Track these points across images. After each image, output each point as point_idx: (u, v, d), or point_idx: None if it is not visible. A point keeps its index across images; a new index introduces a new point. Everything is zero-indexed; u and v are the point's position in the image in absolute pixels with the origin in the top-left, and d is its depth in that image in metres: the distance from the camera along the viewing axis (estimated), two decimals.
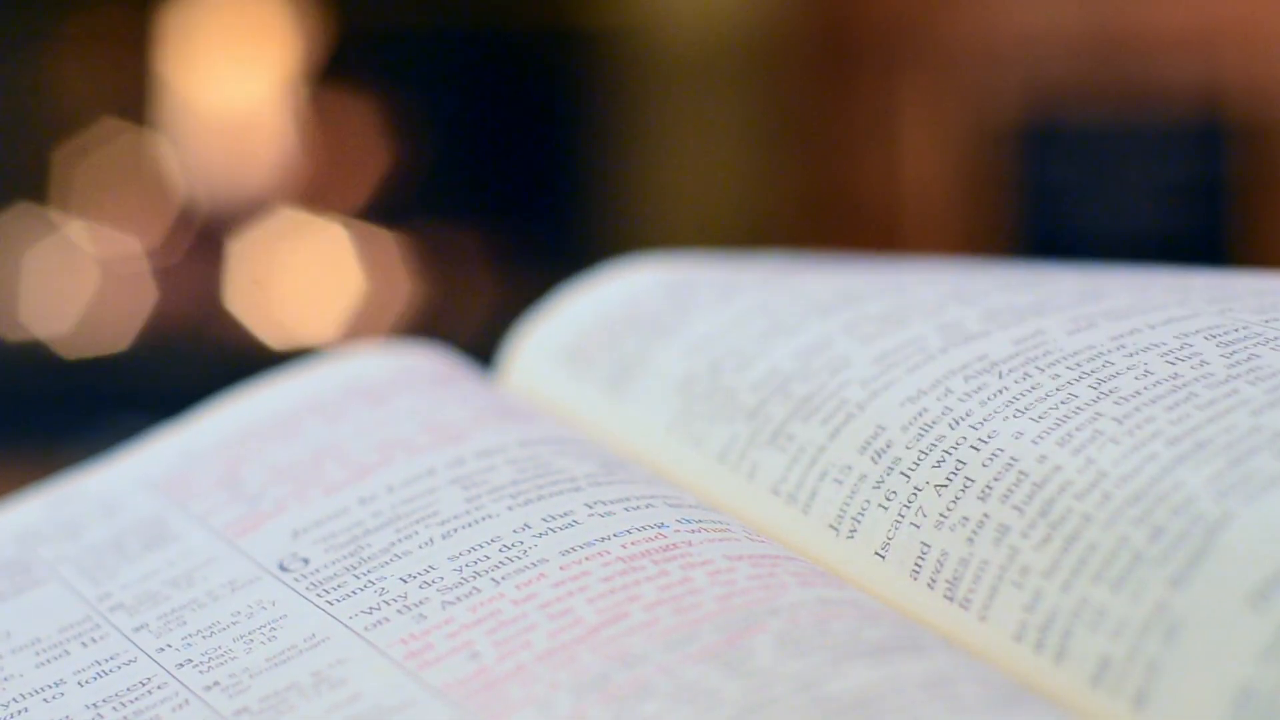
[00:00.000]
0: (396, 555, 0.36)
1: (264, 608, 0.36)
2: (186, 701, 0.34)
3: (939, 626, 0.34)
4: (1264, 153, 1.71)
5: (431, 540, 0.37)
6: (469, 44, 1.78)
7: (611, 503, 0.37)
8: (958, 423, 0.36)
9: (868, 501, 0.36)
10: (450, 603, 0.35)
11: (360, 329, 1.73)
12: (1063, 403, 0.35)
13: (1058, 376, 0.36)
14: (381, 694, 0.33)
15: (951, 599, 0.34)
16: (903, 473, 0.36)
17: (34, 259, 1.73)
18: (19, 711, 0.35)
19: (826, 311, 0.41)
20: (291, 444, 0.42)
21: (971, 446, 0.35)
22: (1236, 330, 0.36)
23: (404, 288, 1.76)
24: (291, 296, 1.76)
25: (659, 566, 0.34)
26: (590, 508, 0.37)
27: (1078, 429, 0.34)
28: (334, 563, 0.37)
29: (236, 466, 0.41)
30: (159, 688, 0.35)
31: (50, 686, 0.36)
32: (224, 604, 0.37)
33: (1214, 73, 1.71)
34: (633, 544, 0.35)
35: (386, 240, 1.76)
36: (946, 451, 0.35)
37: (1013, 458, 0.34)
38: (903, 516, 0.35)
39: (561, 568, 0.35)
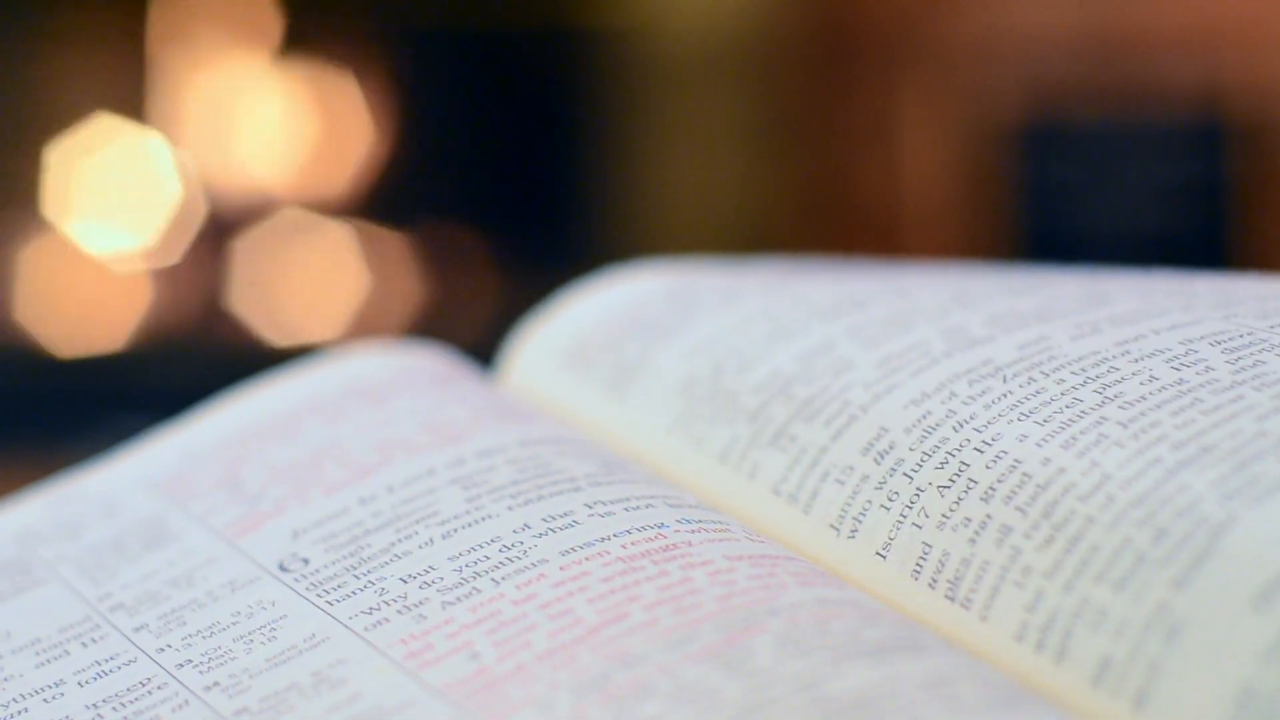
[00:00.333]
0: (396, 555, 0.36)
1: (264, 608, 0.36)
2: (186, 702, 0.34)
3: (939, 627, 0.34)
4: (1264, 153, 1.71)
5: (431, 540, 0.37)
6: (470, 44, 1.78)
7: (611, 503, 0.37)
8: (961, 425, 0.36)
9: (869, 502, 0.36)
10: (450, 603, 0.35)
11: (362, 329, 1.73)
12: (1067, 407, 0.35)
13: (1062, 381, 0.36)
14: (381, 694, 0.33)
15: (953, 599, 0.34)
16: (905, 474, 0.36)
17: (33, 258, 1.73)
18: (19, 712, 0.35)
19: (829, 315, 0.41)
20: (292, 444, 0.42)
21: (975, 449, 0.35)
22: (1241, 336, 0.36)
23: (405, 288, 1.76)
24: (294, 296, 1.76)
25: (659, 567, 0.34)
26: (590, 508, 0.37)
27: (1082, 433, 0.34)
28: (334, 563, 0.37)
29: (237, 466, 0.41)
30: (159, 688, 0.35)
31: (50, 687, 0.36)
32: (224, 604, 0.37)
33: (1214, 73, 1.71)
34: (632, 544, 0.35)
35: (388, 240, 1.76)
36: (950, 453, 0.35)
37: (1016, 460, 0.34)
38: (905, 517, 0.35)
39: (561, 568, 0.35)
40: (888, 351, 0.39)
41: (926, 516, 0.35)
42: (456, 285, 1.76)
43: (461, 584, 0.35)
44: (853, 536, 0.36)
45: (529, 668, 0.32)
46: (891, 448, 0.36)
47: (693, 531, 0.36)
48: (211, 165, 1.76)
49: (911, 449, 0.36)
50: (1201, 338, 0.37)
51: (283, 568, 0.37)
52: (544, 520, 0.36)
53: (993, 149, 1.75)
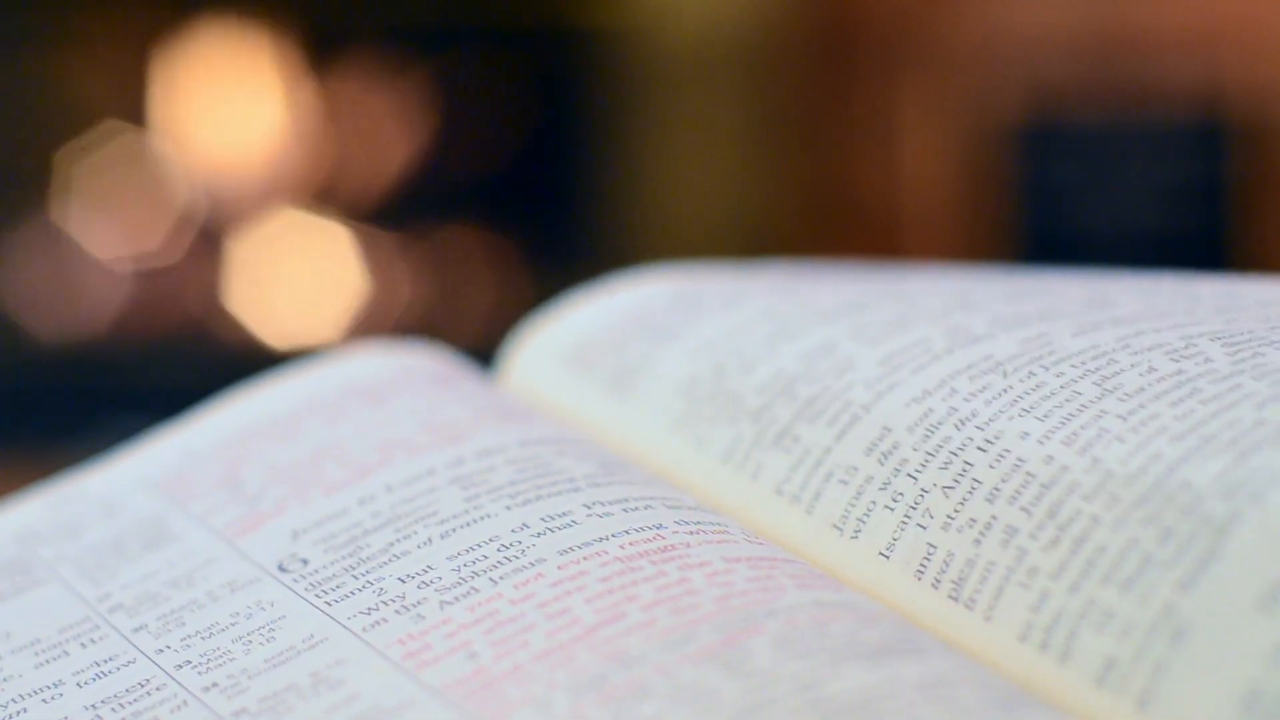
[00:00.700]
0: (395, 555, 0.36)
1: (263, 608, 0.36)
2: (185, 703, 0.34)
3: (942, 628, 0.34)
4: (1264, 153, 1.71)
5: (430, 540, 0.37)
6: (470, 44, 1.78)
7: (610, 503, 0.37)
8: (963, 423, 0.36)
9: (873, 502, 0.36)
10: (448, 603, 0.34)
11: (361, 329, 1.73)
12: (1067, 400, 0.35)
13: (1062, 374, 0.36)
14: (380, 694, 0.33)
15: (956, 599, 0.34)
16: (909, 474, 0.36)
17: (36, 259, 1.73)
18: (18, 712, 0.35)
19: (832, 317, 0.41)
20: (292, 444, 0.42)
21: (978, 447, 0.35)
22: (1241, 334, 0.37)
23: (404, 288, 1.76)
24: (292, 297, 1.76)
25: (657, 567, 0.34)
26: (589, 508, 0.37)
27: (1082, 427, 0.34)
28: (333, 563, 0.37)
29: (237, 466, 0.41)
30: (158, 689, 0.35)
31: (49, 687, 0.36)
32: (223, 605, 0.37)
33: (1214, 73, 1.71)
34: (631, 544, 0.35)
35: (387, 241, 1.76)
36: (953, 453, 0.35)
37: (1020, 458, 0.34)
38: (909, 517, 0.35)
39: (559, 568, 0.35)
40: (889, 349, 0.39)
41: (931, 517, 0.35)
42: (456, 286, 1.76)
43: (460, 584, 0.35)
44: (856, 537, 0.36)
45: (526, 667, 0.32)
46: (895, 447, 0.36)
47: (691, 533, 0.36)
48: (211, 165, 1.76)
49: (914, 448, 0.36)
50: (1201, 334, 0.37)
51: (282, 568, 0.37)
52: (542, 520, 0.36)
53: (993, 149, 1.75)
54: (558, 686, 0.31)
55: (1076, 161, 1.74)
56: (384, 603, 0.35)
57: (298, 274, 1.76)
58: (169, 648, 0.36)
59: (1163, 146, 1.71)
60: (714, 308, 0.44)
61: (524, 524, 0.36)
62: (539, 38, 1.79)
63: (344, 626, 0.35)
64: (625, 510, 0.36)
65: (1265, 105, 1.70)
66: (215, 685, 0.34)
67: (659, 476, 0.39)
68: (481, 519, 0.37)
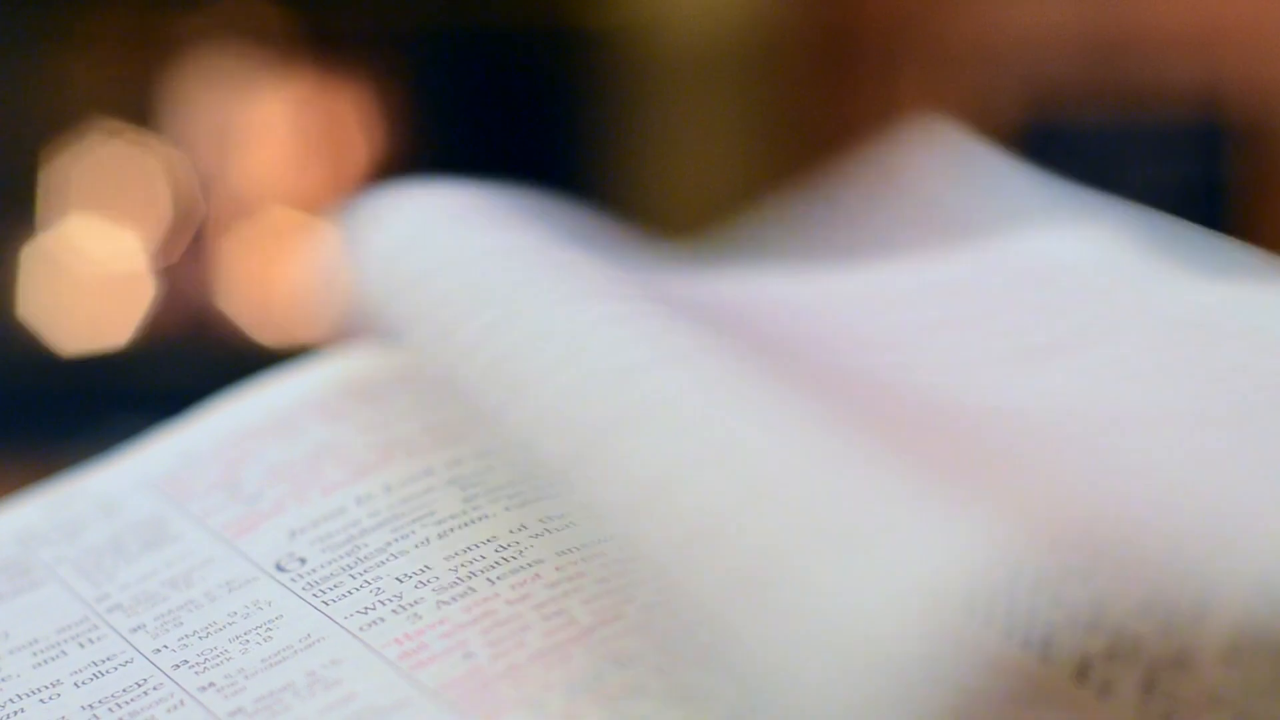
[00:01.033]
0: (393, 555, 0.36)
1: (260, 608, 0.36)
2: (182, 703, 0.34)
3: None
4: (1264, 153, 1.71)
5: (428, 540, 0.37)
6: (469, 44, 1.78)
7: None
8: None
9: None
10: (445, 602, 0.35)
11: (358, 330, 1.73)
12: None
13: None
14: (375, 694, 0.33)
15: None
16: None
17: (33, 259, 1.73)
18: (15, 712, 0.35)
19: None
20: (290, 443, 0.42)
21: None
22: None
23: None
24: (288, 296, 1.76)
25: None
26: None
27: None
28: (330, 562, 0.37)
29: (235, 466, 0.41)
30: (155, 689, 0.35)
31: (47, 687, 0.36)
32: (221, 604, 0.37)
33: (1214, 73, 1.71)
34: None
35: None
36: None
37: None
38: None
39: (557, 568, 0.35)
40: None
41: None
42: None
43: (457, 584, 0.35)
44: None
45: (522, 668, 0.32)
46: None
47: None
48: (209, 166, 1.76)
49: None
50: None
51: (280, 568, 0.37)
52: (540, 521, 0.36)
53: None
54: (552, 687, 0.31)
55: (1076, 161, 1.73)
56: (381, 602, 0.35)
57: (294, 274, 1.76)
58: (166, 647, 0.36)
59: (1163, 146, 1.71)
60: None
61: (522, 525, 0.36)
62: (539, 38, 1.79)
63: (340, 626, 0.35)
64: None
65: (1265, 105, 1.70)
66: (212, 685, 0.34)
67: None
68: (479, 519, 0.37)
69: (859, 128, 1.79)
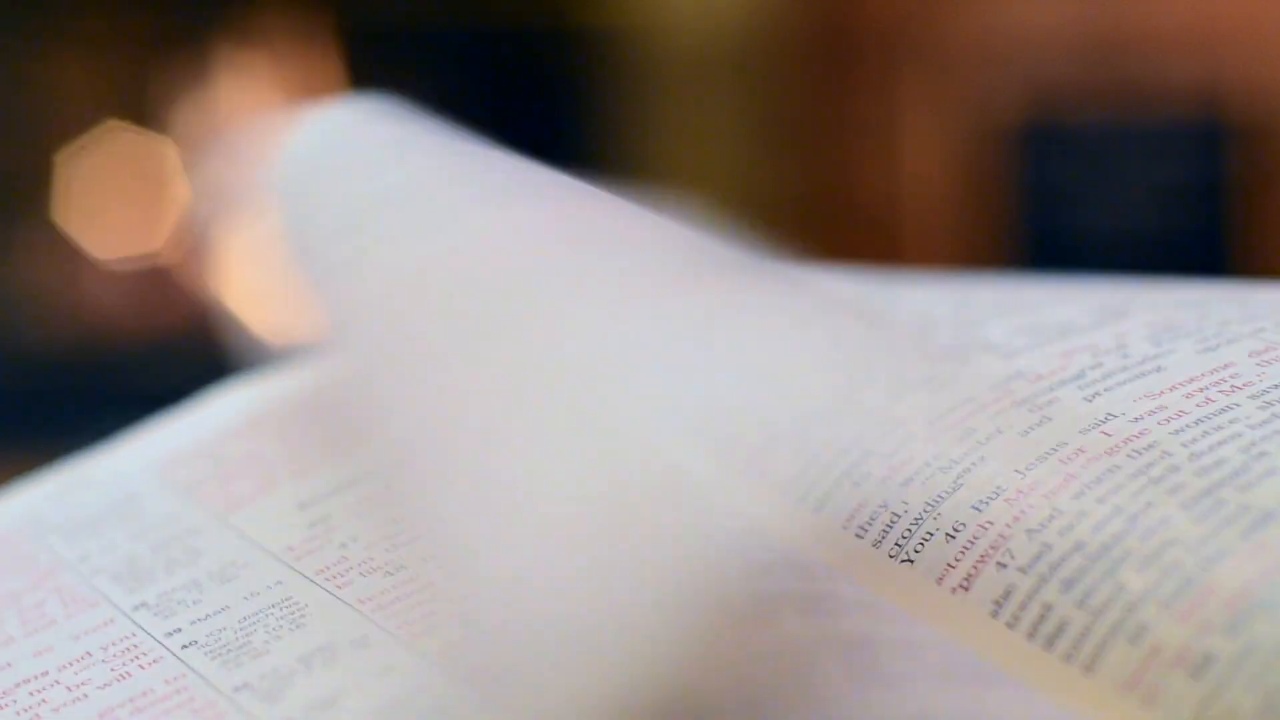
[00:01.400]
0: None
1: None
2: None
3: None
4: (1264, 153, 1.71)
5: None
6: (469, 44, 1.78)
7: None
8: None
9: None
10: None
11: None
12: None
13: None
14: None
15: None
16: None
17: (34, 260, 1.73)
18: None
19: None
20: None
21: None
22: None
23: None
24: (291, 296, 1.76)
25: None
26: None
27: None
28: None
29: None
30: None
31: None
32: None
33: (1214, 73, 1.71)
34: None
35: None
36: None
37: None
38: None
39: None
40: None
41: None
42: None
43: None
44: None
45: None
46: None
47: None
48: (209, 165, 1.76)
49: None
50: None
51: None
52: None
53: (993, 149, 1.75)
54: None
55: (1076, 161, 1.74)
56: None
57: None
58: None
59: (1163, 146, 1.72)
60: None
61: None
62: (539, 38, 1.79)
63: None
64: None
65: (1265, 105, 1.70)
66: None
67: None
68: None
69: (859, 128, 1.79)
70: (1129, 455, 0.35)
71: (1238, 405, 0.35)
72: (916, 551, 0.35)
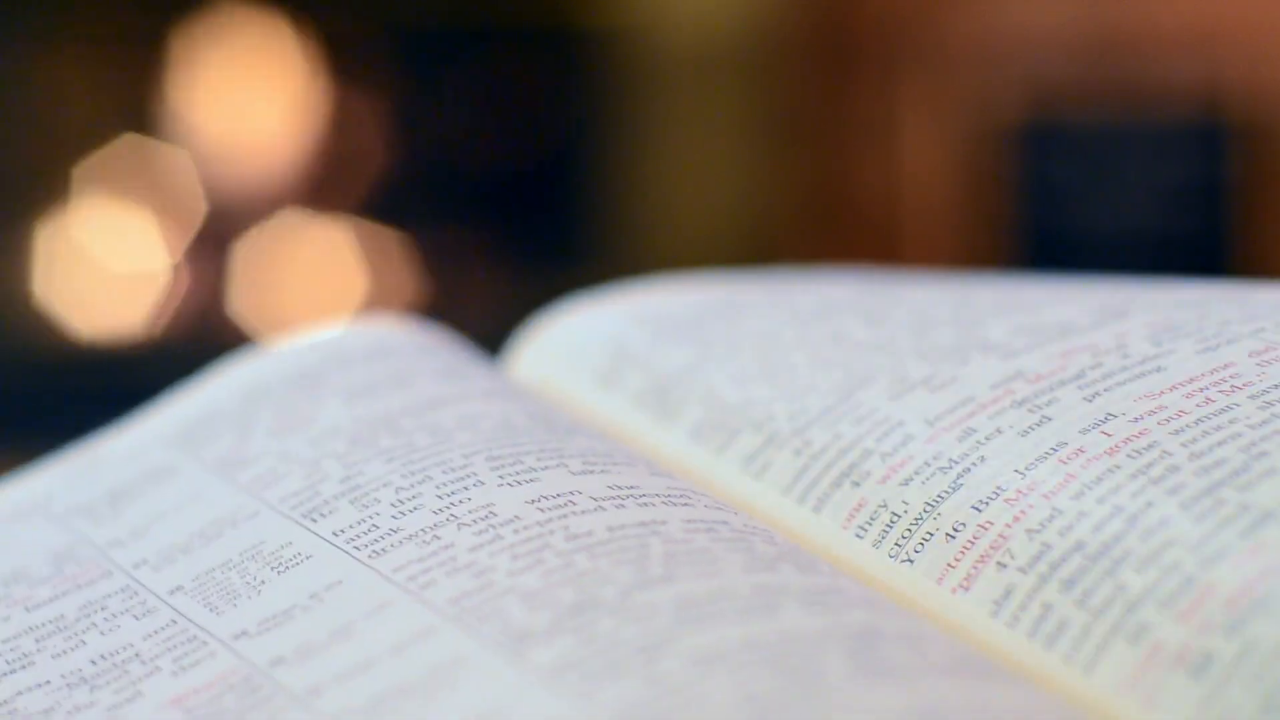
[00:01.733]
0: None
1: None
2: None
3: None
4: (1264, 153, 1.71)
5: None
6: (470, 44, 1.78)
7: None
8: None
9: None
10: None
11: None
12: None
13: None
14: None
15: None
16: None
17: (37, 260, 1.73)
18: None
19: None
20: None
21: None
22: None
23: (406, 287, 1.76)
24: (294, 296, 1.76)
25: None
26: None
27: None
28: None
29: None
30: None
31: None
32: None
33: (1214, 73, 1.71)
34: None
35: (388, 240, 1.77)
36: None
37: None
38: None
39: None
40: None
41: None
42: (456, 286, 1.77)
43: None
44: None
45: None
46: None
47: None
48: (215, 167, 1.76)
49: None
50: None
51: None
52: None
53: (993, 149, 1.75)
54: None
55: (1076, 161, 1.74)
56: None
57: (300, 274, 1.76)
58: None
59: (1163, 146, 1.72)
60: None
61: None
62: (539, 38, 1.79)
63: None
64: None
65: (1265, 105, 1.70)
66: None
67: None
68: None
69: (859, 128, 1.79)
70: (1129, 455, 0.35)
71: (1238, 405, 0.35)
72: (916, 551, 0.35)
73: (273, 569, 0.36)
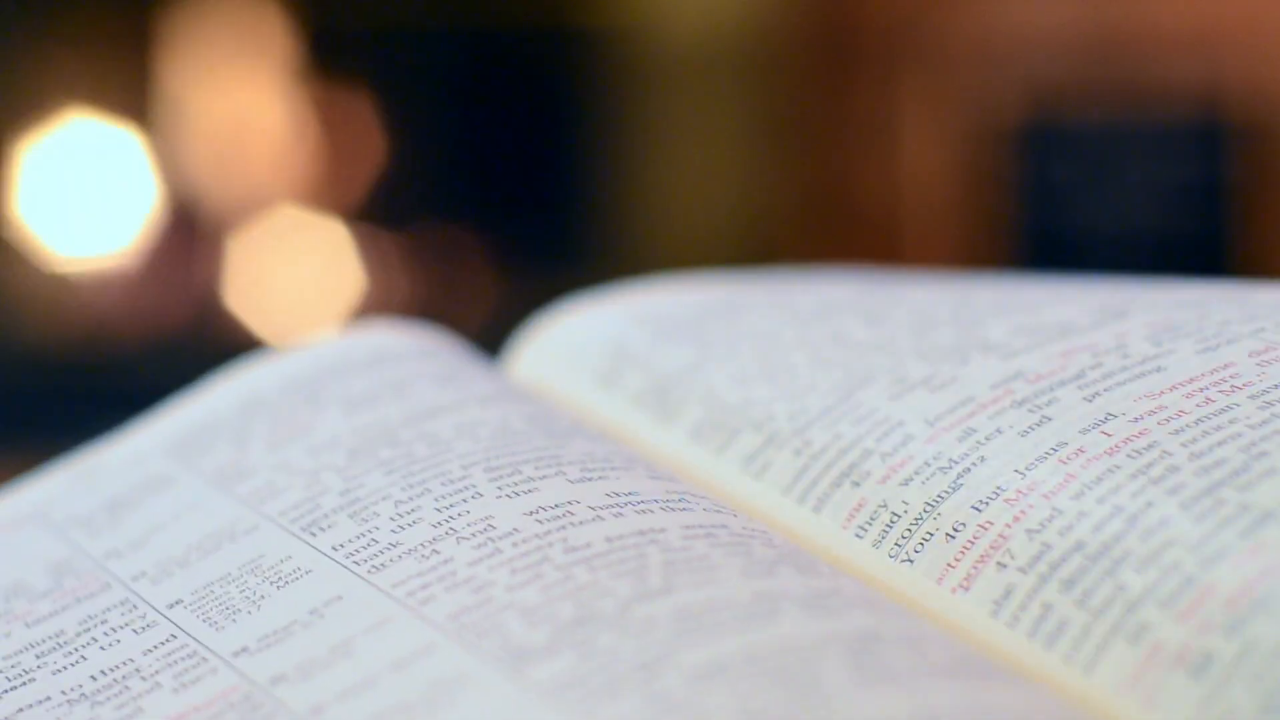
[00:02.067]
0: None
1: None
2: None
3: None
4: (1264, 153, 1.71)
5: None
6: (469, 43, 1.78)
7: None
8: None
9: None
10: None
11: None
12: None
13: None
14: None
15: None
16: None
17: (34, 260, 1.73)
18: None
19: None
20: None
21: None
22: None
23: (402, 287, 1.76)
24: (290, 296, 1.76)
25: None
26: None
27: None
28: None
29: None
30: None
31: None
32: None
33: (1214, 73, 1.71)
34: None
35: (385, 239, 1.77)
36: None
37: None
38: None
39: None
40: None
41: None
42: (453, 285, 1.76)
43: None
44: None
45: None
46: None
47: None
48: (209, 165, 1.76)
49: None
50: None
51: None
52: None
53: (993, 149, 1.75)
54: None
55: (1076, 161, 1.74)
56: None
57: (296, 273, 1.76)
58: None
59: (1163, 146, 1.72)
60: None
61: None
62: (539, 38, 1.79)
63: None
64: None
65: (1265, 105, 1.70)
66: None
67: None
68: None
69: (859, 128, 1.79)
70: (1129, 455, 0.35)
71: (1238, 405, 0.35)
72: (916, 551, 0.35)
73: (272, 584, 0.36)
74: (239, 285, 1.75)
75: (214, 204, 1.75)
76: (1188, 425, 0.35)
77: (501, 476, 0.37)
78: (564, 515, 0.35)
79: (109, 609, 0.37)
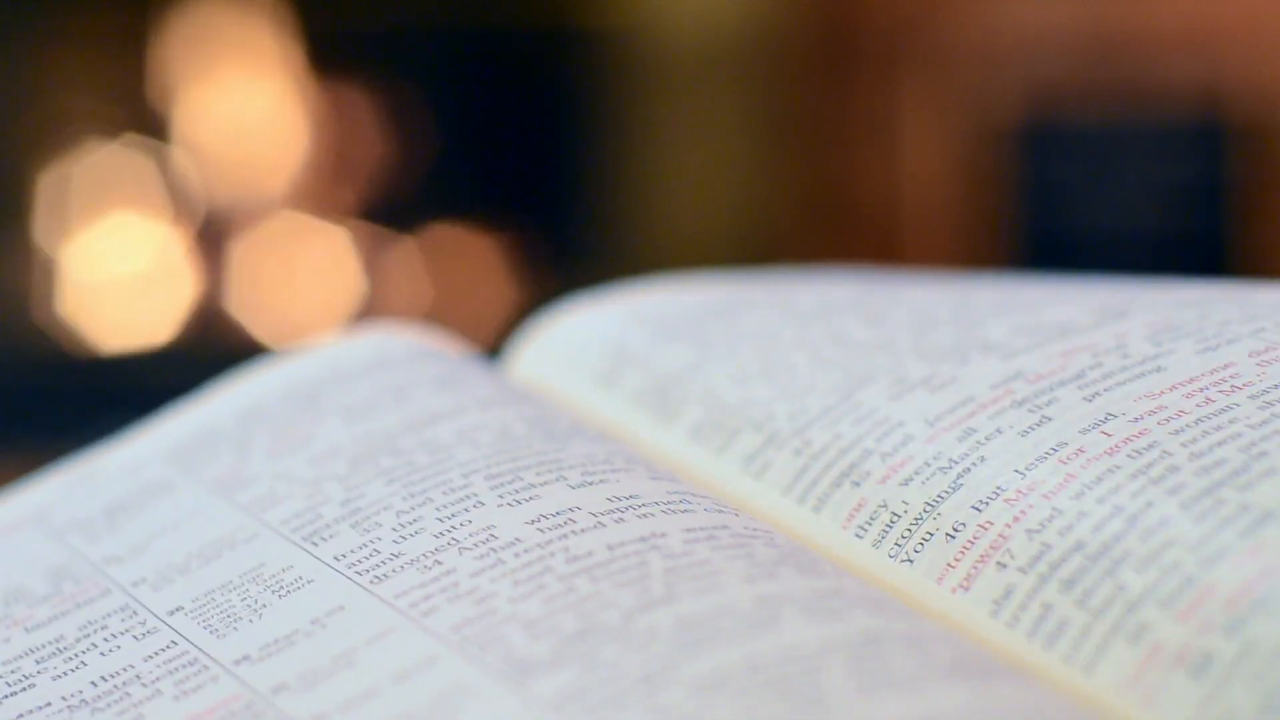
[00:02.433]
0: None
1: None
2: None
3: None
4: (1264, 153, 1.71)
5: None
6: (470, 44, 1.78)
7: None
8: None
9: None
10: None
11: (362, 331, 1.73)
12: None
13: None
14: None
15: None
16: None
17: (35, 261, 1.73)
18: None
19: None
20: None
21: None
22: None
23: (405, 290, 1.76)
24: (293, 300, 1.76)
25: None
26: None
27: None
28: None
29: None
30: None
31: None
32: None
33: (1214, 73, 1.71)
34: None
35: (388, 242, 1.77)
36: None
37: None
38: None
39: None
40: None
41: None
42: (455, 286, 1.76)
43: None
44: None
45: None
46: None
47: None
48: (211, 167, 1.76)
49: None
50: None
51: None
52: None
53: (993, 149, 1.75)
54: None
55: (1076, 161, 1.74)
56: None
57: (299, 276, 1.76)
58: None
59: (1163, 146, 1.71)
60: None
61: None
62: (539, 38, 1.79)
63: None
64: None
65: (1265, 105, 1.70)
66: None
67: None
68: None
69: (859, 128, 1.79)
70: (1129, 455, 0.35)
71: (1238, 405, 0.35)
72: (916, 551, 0.35)
73: (274, 592, 0.36)
74: (242, 288, 1.75)
75: (217, 206, 1.75)
76: (1188, 425, 0.35)
77: (502, 484, 0.37)
78: (565, 523, 0.35)
79: (109, 615, 0.36)
